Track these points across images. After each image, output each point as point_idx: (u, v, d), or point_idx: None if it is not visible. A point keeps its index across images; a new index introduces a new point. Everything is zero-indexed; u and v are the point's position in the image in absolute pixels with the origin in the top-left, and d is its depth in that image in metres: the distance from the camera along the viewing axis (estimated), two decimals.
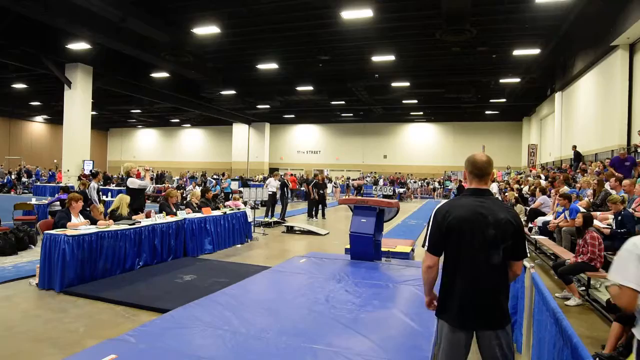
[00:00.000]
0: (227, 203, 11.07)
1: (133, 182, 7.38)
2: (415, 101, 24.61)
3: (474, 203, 2.17)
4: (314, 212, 13.92)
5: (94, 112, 22.21)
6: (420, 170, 31.93)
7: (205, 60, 18.48)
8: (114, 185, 19.38)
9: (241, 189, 16.84)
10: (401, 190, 26.27)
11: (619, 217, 5.70)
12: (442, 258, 2.26)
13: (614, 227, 5.72)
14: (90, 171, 11.40)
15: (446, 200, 2.30)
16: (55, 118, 29.28)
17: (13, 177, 24.45)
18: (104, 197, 10.16)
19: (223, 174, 23.37)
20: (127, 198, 6.87)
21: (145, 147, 40.49)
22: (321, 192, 14.01)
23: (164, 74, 19.74)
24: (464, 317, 2.13)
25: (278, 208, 13.15)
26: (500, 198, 12.48)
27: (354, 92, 22.30)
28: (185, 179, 24.38)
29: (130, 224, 6.29)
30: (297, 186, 22.18)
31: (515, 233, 2.13)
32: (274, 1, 12.21)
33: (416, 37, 15.04)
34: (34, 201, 10.40)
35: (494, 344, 2.10)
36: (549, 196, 9.25)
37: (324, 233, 10.80)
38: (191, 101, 24.63)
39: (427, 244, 2.24)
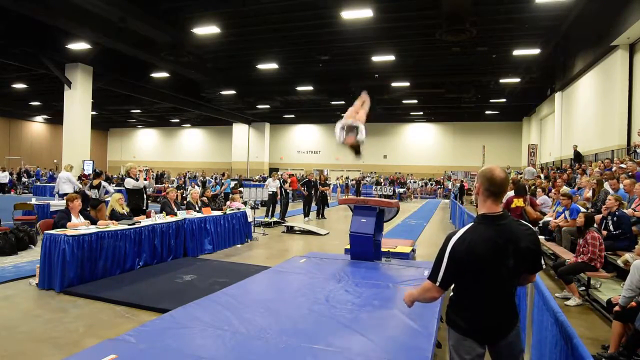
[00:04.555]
0: (227, 203, 11.06)
1: (128, 183, 7.56)
2: (415, 101, 24.60)
3: (492, 234, 2.07)
4: (313, 211, 13.96)
5: (94, 112, 22.21)
6: (420, 170, 31.92)
7: (205, 60, 18.48)
8: (114, 185, 19.39)
9: (241, 188, 16.84)
10: (401, 190, 26.27)
11: (614, 218, 5.64)
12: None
13: (611, 229, 5.67)
14: (95, 170, 11.41)
15: (461, 232, 2.12)
16: (55, 118, 29.26)
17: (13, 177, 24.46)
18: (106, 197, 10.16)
19: (223, 174, 23.33)
20: (117, 196, 7.03)
21: (145, 147, 40.47)
22: (312, 190, 14.14)
23: (164, 74, 19.73)
24: (484, 336, 2.14)
25: (278, 208, 13.15)
26: None
27: (354, 92, 22.27)
28: (183, 179, 24.36)
29: (130, 224, 6.30)
30: (297, 186, 22.17)
31: (535, 256, 2.14)
32: (274, 1, 12.21)
33: (416, 37, 15.04)
34: (34, 201, 10.40)
35: (510, 344, 2.17)
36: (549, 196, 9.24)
37: (324, 233, 10.80)
38: (191, 101, 24.61)
39: (439, 278, 2.10)
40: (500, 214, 2.13)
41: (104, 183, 8.98)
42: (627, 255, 4.91)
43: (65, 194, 8.76)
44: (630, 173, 8.15)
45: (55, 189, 10.96)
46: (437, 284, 2.11)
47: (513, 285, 2.17)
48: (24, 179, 24.48)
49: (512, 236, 2.08)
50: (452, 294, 2.22)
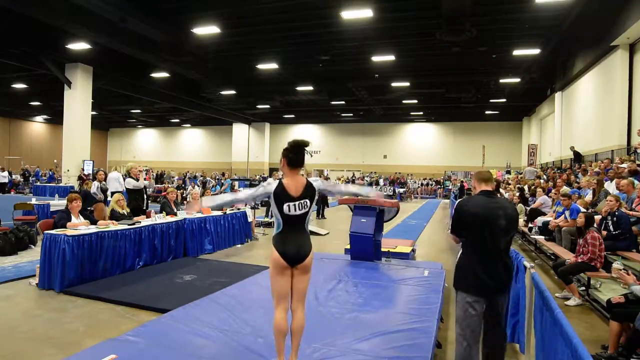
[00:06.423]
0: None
1: (129, 183, 7.59)
2: (415, 101, 24.60)
3: (486, 200, 2.88)
4: (313, 211, 13.96)
5: (94, 112, 22.20)
6: (420, 170, 31.91)
7: (205, 60, 18.46)
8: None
9: (241, 188, 16.85)
10: (401, 190, 26.28)
11: (614, 218, 5.63)
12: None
13: (611, 229, 5.66)
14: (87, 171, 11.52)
15: (465, 198, 3.24)
16: (55, 118, 29.28)
17: (14, 177, 24.46)
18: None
19: (223, 174, 23.37)
20: (117, 196, 7.06)
21: (145, 147, 40.46)
22: None
23: (164, 74, 19.72)
24: (483, 288, 2.79)
25: None
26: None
27: (354, 92, 22.29)
28: (182, 179, 24.36)
29: (130, 224, 6.30)
30: None
31: (517, 222, 2.96)
32: (274, 1, 12.20)
33: (416, 37, 15.03)
34: (34, 201, 10.39)
35: (501, 303, 2.92)
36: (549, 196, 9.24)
37: (324, 233, 10.79)
38: (191, 101, 24.61)
39: (449, 227, 3.14)
40: (492, 190, 2.97)
41: (95, 183, 9.04)
42: (616, 264, 4.93)
43: (113, 193, 8.90)
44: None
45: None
46: (449, 230, 3.08)
47: (507, 242, 2.86)
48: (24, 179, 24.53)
49: (501, 204, 2.92)
50: (457, 260, 2.95)
